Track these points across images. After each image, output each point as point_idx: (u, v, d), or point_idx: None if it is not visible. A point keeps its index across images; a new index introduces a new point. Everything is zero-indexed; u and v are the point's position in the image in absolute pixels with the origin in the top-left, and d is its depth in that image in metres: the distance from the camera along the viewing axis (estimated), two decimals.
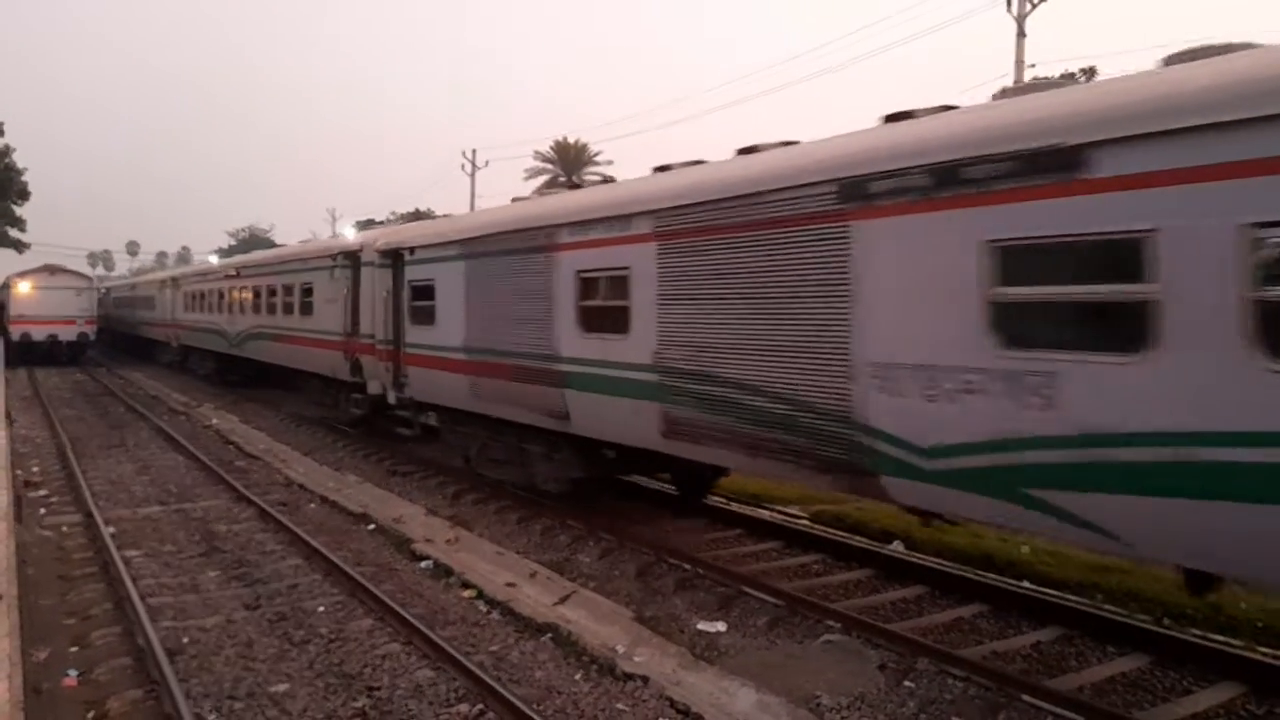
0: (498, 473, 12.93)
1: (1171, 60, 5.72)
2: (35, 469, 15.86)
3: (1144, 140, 5.05)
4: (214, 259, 35.64)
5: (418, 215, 36.86)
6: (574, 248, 10.12)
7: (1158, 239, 4.98)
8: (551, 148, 58.06)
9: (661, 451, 9.16)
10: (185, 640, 7.73)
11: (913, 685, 6.72)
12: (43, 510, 12.82)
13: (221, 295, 26.94)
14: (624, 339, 9.25)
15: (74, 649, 7.70)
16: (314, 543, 10.52)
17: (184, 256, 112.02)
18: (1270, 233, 4.63)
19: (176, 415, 23.11)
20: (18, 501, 12.47)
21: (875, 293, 6.65)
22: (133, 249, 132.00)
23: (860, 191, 6.71)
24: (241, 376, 27.26)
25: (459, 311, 12.56)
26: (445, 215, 21.55)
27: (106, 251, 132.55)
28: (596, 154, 57.79)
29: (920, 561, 9.49)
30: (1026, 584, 8.73)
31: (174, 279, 35.22)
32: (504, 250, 11.57)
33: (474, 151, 55.14)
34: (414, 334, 14.10)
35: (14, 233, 44.83)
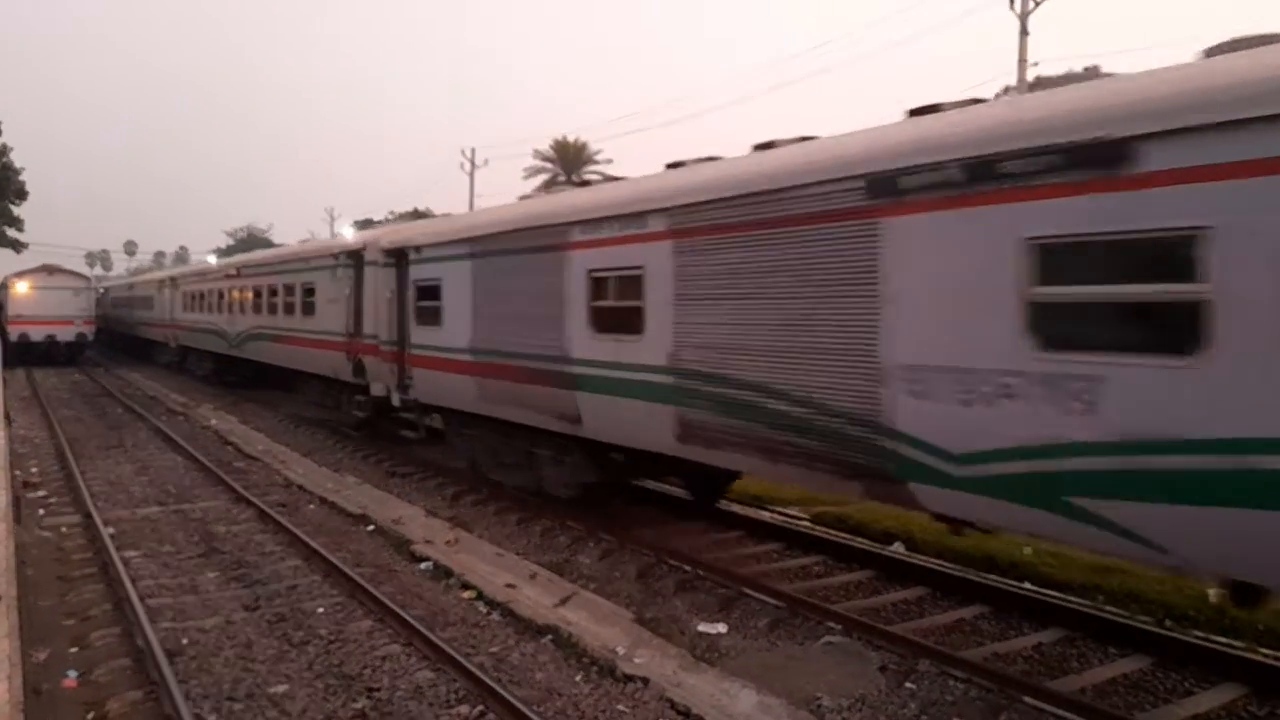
0: (505, 477, 12.74)
1: (1213, 52, 5.51)
2: (34, 469, 15.83)
3: (1197, 133, 4.81)
4: (212, 259, 35.62)
5: (417, 215, 36.94)
6: (586, 246, 9.91)
7: (1211, 236, 4.75)
8: (551, 147, 58.06)
9: (676, 456, 8.98)
10: (185, 641, 7.72)
11: (914, 687, 6.71)
12: (42, 511, 12.79)
13: (221, 295, 26.86)
14: (638, 340, 9.04)
15: (73, 650, 7.68)
16: (313, 544, 10.49)
17: (181, 256, 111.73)
18: None
19: (175, 416, 23.08)
20: (16, 502, 12.43)
21: (905, 292, 6.40)
22: (131, 249, 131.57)
23: (890, 187, 6.46)
24: (240, 377, 27.21)
25: (466, 312, 12.36)
26: (445, 214, 21.51)
27: (104, 251, 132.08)
28: (596, 153, 57.83)
29: (921, 563, 9.48)
30: (1028, 585, 8.72)
31: (172, 279, 35.15)
32: (513, 249, 11.36)
33: (473, 151, 55.25)
34: (419, 335, 13.92)
35: (12, 232, 44.73)
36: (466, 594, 8.99)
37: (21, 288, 38.29)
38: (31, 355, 37.31)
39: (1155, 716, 6.24)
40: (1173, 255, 4.93)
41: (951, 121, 6.51)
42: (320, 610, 8.56)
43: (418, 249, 13.94)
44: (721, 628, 7.97)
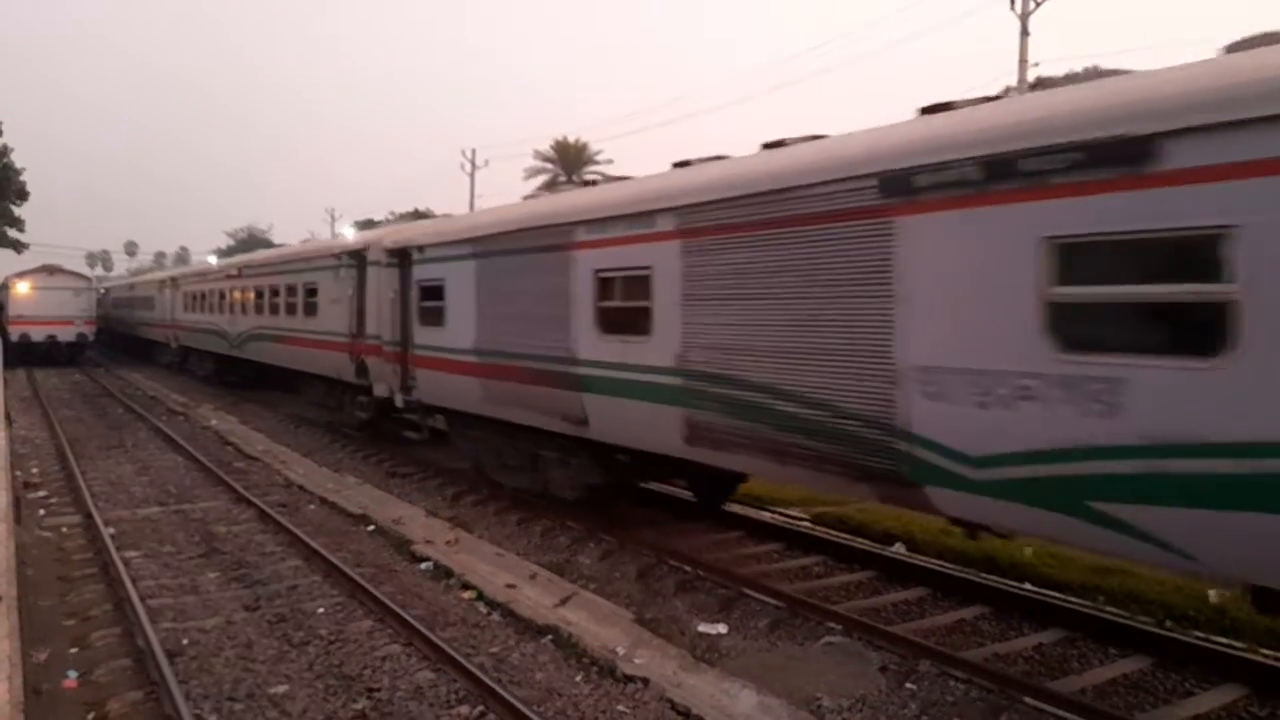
0: (510, 479, 12.63)
1: (1234, 48, 5.43)
2: (35, 470, 15.84)
3: (1223, 129, 4.69)
4: (212, 259, 35.62)
5: (418, 215, 36.95)
6: (592, 246, 9.78)
7: (1238, 235, 4.64)
8: (551, 147, 58.09)
9: (684, 458, 8.88)
10: (185, 641, 7.72)
11: (914, 687, 6.71)
12: (42, 511, 12.80)
13: (222, 295, 26.84)
14: (645, 341, 8.93)
15: (74, 650, 7.69)
16: (314, 544, 10.50)
17: (182, 257, 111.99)
18: None
19: (175, 416, 23.09)
20: (17, 502, 12.44)
21: (921, 292, 6.27)
22: (131, 249, 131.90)
23: (905, 185, 6.33)
24: (241, 378, 27.21)
25: (470, 312, 12.26)
26: (446, 215, 21.49)
27: (105, 252, 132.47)
28: (597, 153, 57.84)
29: (922, 563, 9.48)
30: (1028, 586, 8.72)
31: (173, 279, 35.17)
32: (518, 249, 11.25)
33: (474, 152, 55.29)
34: (422, 335, 13.82)
35: (13, 233, 44.78)
36: (467, 594, 8.99)
37: (22, 288, 38.33)
38: (32, 355, 37.35)
39: (1155, 717, 6.24)
40: (1198, 255, 4.81)
41: (968, 119, 6.39)
42: (320, 610, 8.56)
43: (421, 249, 13.83)
44: (722, 628, 7.97)
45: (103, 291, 51.09)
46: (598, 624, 7.96)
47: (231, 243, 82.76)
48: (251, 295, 23.93)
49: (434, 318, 13.32)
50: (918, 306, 6.30)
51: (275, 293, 21.87)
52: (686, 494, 12.31)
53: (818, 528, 11.23)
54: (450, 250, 12.99)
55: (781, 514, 11.97)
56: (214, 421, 21.62)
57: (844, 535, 10.82)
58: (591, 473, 10.87)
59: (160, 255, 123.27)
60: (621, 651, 7.31)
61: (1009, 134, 5.78)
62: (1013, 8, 26.16)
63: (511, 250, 11.42)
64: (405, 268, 14.42)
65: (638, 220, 9.09)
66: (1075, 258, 5.39)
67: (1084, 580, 8.76)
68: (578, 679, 6.98)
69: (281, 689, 6.83)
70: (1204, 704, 6.37)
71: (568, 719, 6.35)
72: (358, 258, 16.59)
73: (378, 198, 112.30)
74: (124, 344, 45.60)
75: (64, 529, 11.79)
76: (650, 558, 9.90)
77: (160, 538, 11.35)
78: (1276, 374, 4.56)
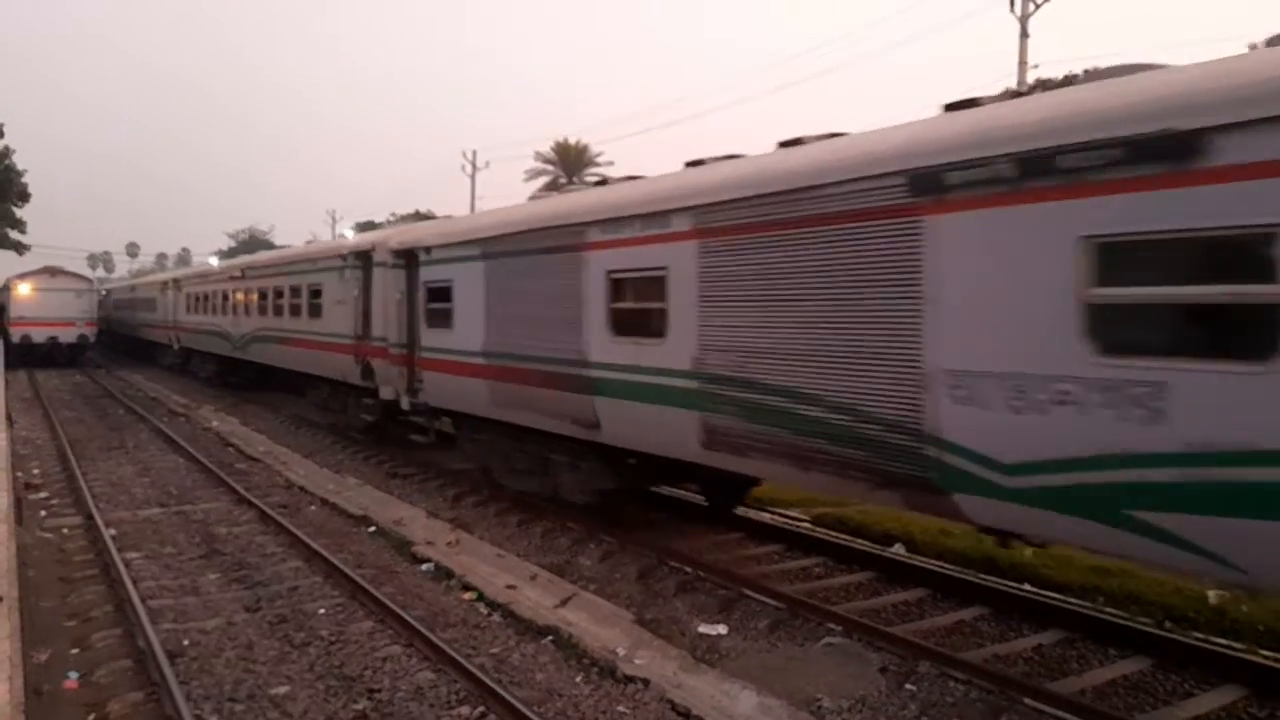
0: (518, 482, 12.48)
1: (1274, 41, 5.32)
2: (36, 471, 15.86)
3: (1275, 124, 4.48)
4: (214, 260, 35.68)
5: (419, 216, 36.97)
6: (605, 246, 9.59)
7: None
8: (552, 149, 58.16)
9: (701, 463, 8.70)
10: (186, 642, 7.73)
11: (914, 688, 6.71)
12: (43, 512, 12.82)
13: (225, 297, 26.81)
14: (660, 343, 8.75)
15: (75, 651, 7.70)
16: (314, 545, 10.51)
17: (184, 258, 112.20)
18: None
19: (176, 417, 23.11)
20: (18, 503, 12.46)
21: (952, 294, 6.06)
22: (133, 250, 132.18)
23: (936, 183, 6.13)
24: (244, 380, 27.22)
25: (479, 314, 12.11)
26: (448, 216, 21.46)
27: (106, 253, 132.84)
28: (597, 155, 57.90)
29: (921, 564, 9.49)
30: (1028, 587, 8.72)
31: (175, 280, 35.20)
32: (528, 250, 11.08)
33: (474, 153, 55.34)
34: (430, 337, 13.71)
35: (14, 234, 44.89)
36: (467, 595, 9.00)
37: (24, 289, 38.41)
38: (33, 357, 37.41)
39: (1155, 718, 6.24)
40: (1247, 255, 4.64)
41: (1001, 115, 6.22)
42: (321, 611, 8.57)
43: (428, 250, 13.70)
44: (722, 629, 7.98)
45: (104, 293, 51.18)
46: (598, 625, 7.97)
47: (233, 244, 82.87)
48: (255, 296, 23.87)
49: (441, 319, 13.19)
50: (948, 308, 6.11)
51: (279, 294, 21.79)
52: (698, 498, 12.20)
53: (818, 529, 11.24)
54: (458, 251, 12.84)
55: (782, 515, 11.98)
56: (215, 423, 21.63)
57: (844, 536, 10.82)
58: (603, 477, 10.69)
59: (162, 257, 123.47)
60: (622, 652, 7.32)
61: (1046, 130, 5.60)
62: (1012, 10, 26.24)
63: (521, 251, 11.26)
64: (412, 269, 14.30)
65: (652, 220, 8.90)
66: (1116, 258, 5.20)
67: (1083, 581, 8.76)
68: (578, 680, 6.98)
69: (282, 690, 6.84)
70: (1203, 705, 6.37)
71: (568, 719, 6.36)
72: (363, 258, 16.46)
73: (378, 199, 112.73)
74: (125, 345, 45.67)
75: (65, 530, 11.81)
76: (651, 559, 9.90)
77: (161, 539, 11.37)
78: None
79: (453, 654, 7.18)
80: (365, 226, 36.35)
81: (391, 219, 43.85)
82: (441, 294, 13.23)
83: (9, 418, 20.97)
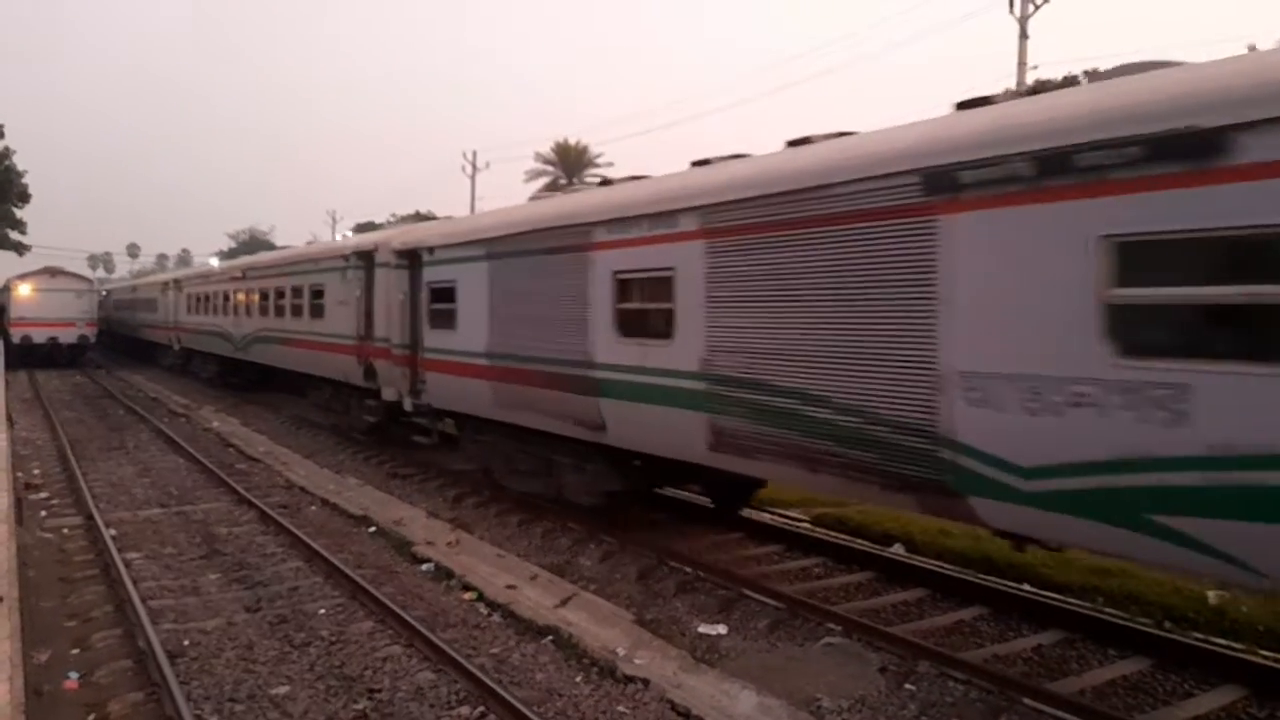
0: (522, 484, 12.41)
1: None
2: (36, 471, 15.87)
3: None
4: (214, 261, 35.72)
5: (420, 217, 36.99)
6: (611, 247, 9.52)
7: None
8: (552, 149, 58.22)
9: (708, 465, 8.63)
10: (186, 643, 7.74)
11: (914, 688, 6.71)
12: (44, 513, 12.82)
13: (227, 297, 26.79)
14: (667, 345, 8.68)
15: (75, 651, 7.70)
16: (315, 545, 10.51)
17: (184, 259, 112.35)
18: None
19: (177, 418, 23.12)
20: (19, 504, 12.47)
21: (967, 294, 5.98)
22: (133, 251, 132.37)
23: (950, 182, 6.05)
24: (245, 380, 27.22)
25: (482, 314, 12.05)
26: (449, 216, 21.45)
27: (107, 254, 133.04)
28: (597, 156, 57.95)
29: (921, 564, 9.49)
30: (1027, 587, 8.72)
31: (176, 281, 35.20)
32: (533, 250, 11.00)
33: (474, 154, 55.36)
34: (433, 338, 13.64)
35: (15, 235, 44.95)
36: (467, 595, 9.00)
37: (24, 290, 38.43)
38: (34, 357, 37.43)
39: (1155, 718, 6.25)
40: (1272, 254, 4.60)
41: (1017, 113, 6.15)
42: (322, 611, 8.58)
43: (431, 250, 13.64)
44: (722, 629, 7.98)
45: (104, 293, 51.21)
46: (598, 625, 7.97)
47: (233, 245, 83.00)
48: (257, 297, 23.84)
49: (445, 320, 13.13)
50: (963, 308, 6.02)
51: (281, 295, 21.73)
52: (704, 500, 12.15)
53: (817, 529, 11.24)
54: (462, 251, 12.78)
55: (781, 515, 11.98)
56: (215, 423, 21.64)
57: (843, 536, 10.82)
58: (609, 478, 10.62)
59: (162, 257, 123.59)
60: (622, 652, 7.32)
61: (1064, 127, 5.52)
62: (1012, 11, 26.21)
63: (526, 251, 11.20)
64: (415, 269, 14.24)
65: (659, 220, 8.83)
66: (1136, 257, 5.13)
67: (1083, 581, 8.77)
68: (578, 680, 6.99)
69: (283, 690, 6.84)
70: (1203, 705, 6.37)
71: (568, 719, 6.36)
72: (366, 259, 16.39)
73: (378, 199, 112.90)
74: (125, 346, 45.67)
75: (65, 530, 11.81)
76: (651, 559, 9.91)
77: (161, 539, 11.38)
78: None
79: (453, 654, 7.19)
80: (365, 227, 36.42)
81: (391, 220, 43.88)
82: (445, 294, 13.16)
83: (9, 418, 20.98)
